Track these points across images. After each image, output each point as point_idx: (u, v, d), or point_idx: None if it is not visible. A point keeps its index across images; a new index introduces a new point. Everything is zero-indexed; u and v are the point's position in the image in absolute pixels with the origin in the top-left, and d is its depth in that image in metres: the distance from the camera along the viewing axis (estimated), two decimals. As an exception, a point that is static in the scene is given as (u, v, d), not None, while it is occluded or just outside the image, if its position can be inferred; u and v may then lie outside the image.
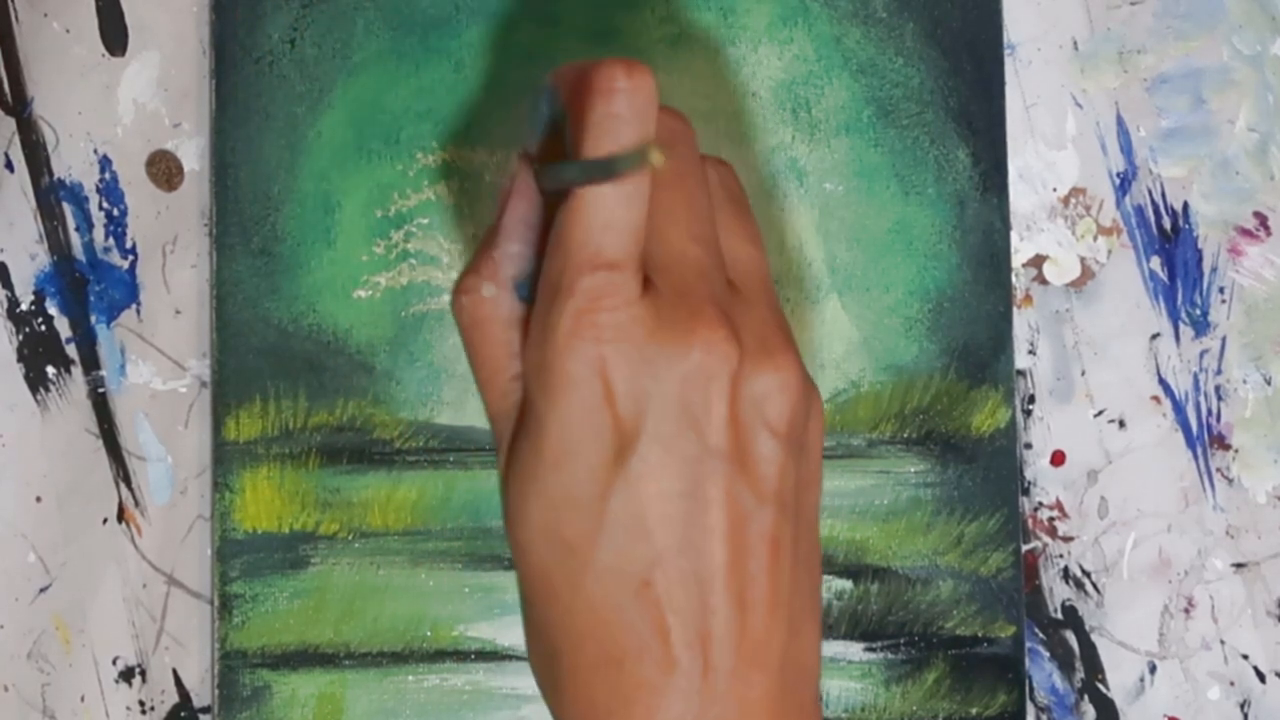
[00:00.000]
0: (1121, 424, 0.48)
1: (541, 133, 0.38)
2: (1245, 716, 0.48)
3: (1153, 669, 0.48)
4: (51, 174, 0.47)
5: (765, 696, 0.35)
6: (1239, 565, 0.48)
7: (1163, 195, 0.48)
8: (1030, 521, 0.48)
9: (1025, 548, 0.48)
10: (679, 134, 0.37)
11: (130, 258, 0.47)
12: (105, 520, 0.47)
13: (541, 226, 0.37)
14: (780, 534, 0.35)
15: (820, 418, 0.37)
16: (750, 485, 0.35)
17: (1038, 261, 0.48)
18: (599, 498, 0.34)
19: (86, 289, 0.47)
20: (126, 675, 0.46)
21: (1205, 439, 0.48)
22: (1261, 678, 0.48)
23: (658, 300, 0.35)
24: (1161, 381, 0.48)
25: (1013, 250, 0.48)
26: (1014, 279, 0.48)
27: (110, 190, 0.47)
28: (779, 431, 0.35)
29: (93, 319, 0.47)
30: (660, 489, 0.34)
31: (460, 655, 0.46)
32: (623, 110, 0.35)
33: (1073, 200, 0.48)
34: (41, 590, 0.46)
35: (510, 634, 0.46)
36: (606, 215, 0.35)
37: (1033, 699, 0.48)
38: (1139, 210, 0.48)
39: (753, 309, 0.36)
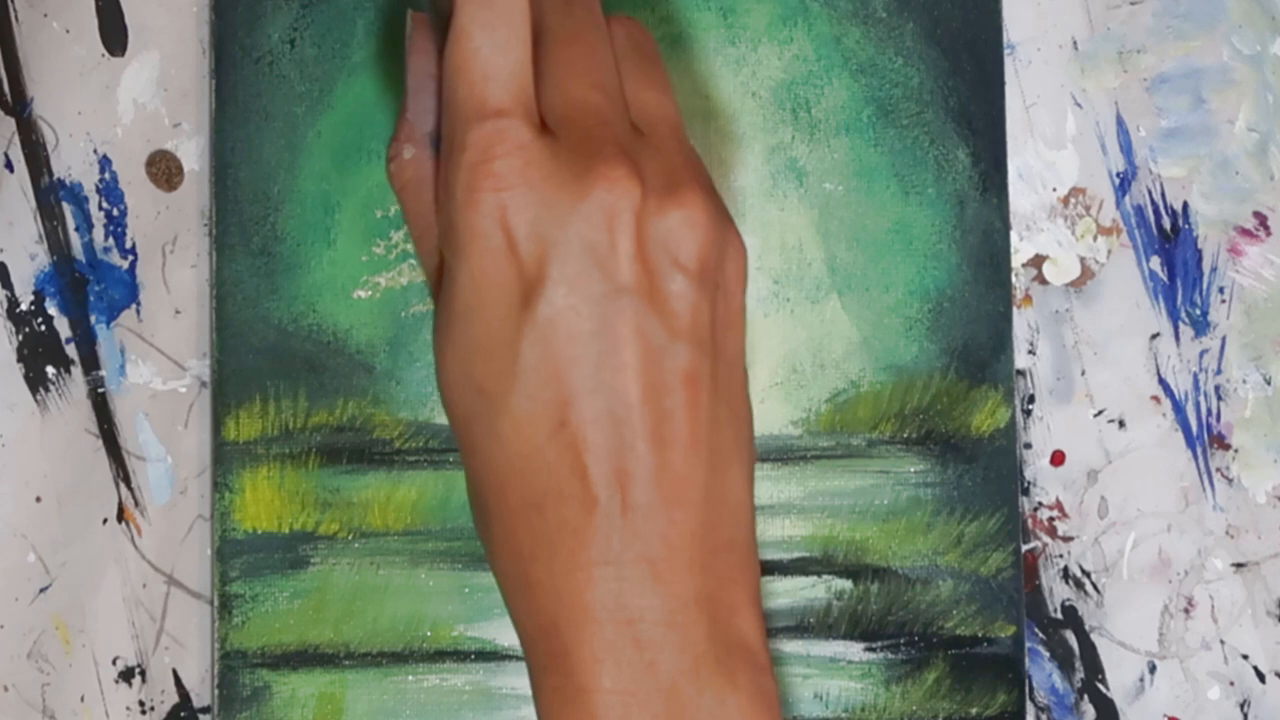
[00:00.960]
0: (1121, 424, 0.48)
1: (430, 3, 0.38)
2: (1245, 716, 0.48)
3: (1153, 669, 0.48)
4: (51, 174, 0.47)
5: (689, 533, 0.34)
6: (1239, 565, 0.48)
7: (1163, 195, 0.48)
8: (1030, 521, 0.48)
9: (1025, 548, 0.48)
10: None
11: (130, 258, 0.47)
12: (105, 520, 0.47)
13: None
14: (697, 371, 0.35)
15: (739, 258, 0.37)
16: (662, 322, 0.34)
17: (1038, 261, 0.48)
18: (509, 344, 0.34)
19: (86, 289, 0.47)
20: (126, 675, 0.46)
21: (1205, 439, 0.48)
22: (1261, 678, 0.48)
23: (555, 145, 0.35)
24: (1161, 381, 0.48)
25: (1013, 250, 0.48)
26: (1014, 279, 0.48)
27: (110, 190, 0.47)
28: (689, 269, 0.35)
29: (93, 319, 0.47)
30: (569, 329, 0.34)
31: (460, 655, 0.46)
32: None
33: (1073, 200, 0.48)
34: (41, 590, 0.46)
35: (510, 634, 0.46)
36: (484, 65, 0.35)
37: (1033, 699, 0.48)
38: (1139, 210, 0.48)
39: (659, 151, 0.36)
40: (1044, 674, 0.48)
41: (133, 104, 0.47)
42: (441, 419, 0.46)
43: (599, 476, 0.34)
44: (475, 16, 0.35)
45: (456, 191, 0.35)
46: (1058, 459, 0.48)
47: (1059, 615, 0.48)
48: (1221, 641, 0.48)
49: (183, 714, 0.47)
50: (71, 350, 0.47)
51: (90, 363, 0.47)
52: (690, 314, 0.35)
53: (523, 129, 0.35)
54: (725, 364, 0.36)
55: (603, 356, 0.34)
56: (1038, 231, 0.48)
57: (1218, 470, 0.48)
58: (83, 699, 0.46)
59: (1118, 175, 0.48)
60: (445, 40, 0.36)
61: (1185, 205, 0.48)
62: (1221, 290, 0.48)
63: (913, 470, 0.47)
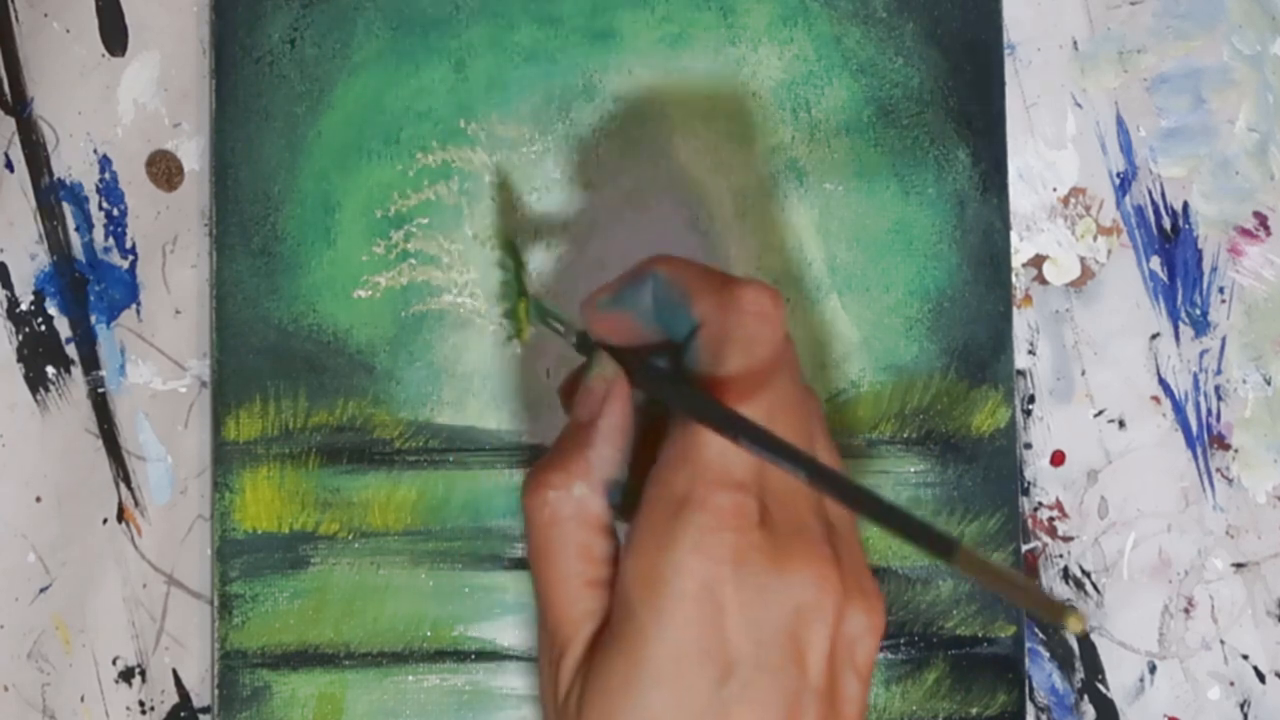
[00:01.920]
0: (1121, 424, 0.48)
1: (637, 319, 0.37)
2: (1245, 716, 0.48)
3: (1153, 669, 0.48)
4: (51, 174, 0.47)
5: None
6: (1239, 565, 0.48)
7: (1163, 195, 0.48)
8: (1030, 521, 0.48)
9: (1025, 548, 0.48)
10: (792, 359, 0.37)
11: (130, 258, 0.47)
12: (105, 520, 0.47)
13: (633, 434, 0.37)
14: None
15: (879, 644, 0.38)
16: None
17: (1038, 261, 0.48)
18: (701, 715, 0.34)
19: (86, 289, 0.47)
20: (126, 675, 0.46)
21: (1205, 439, 0.48)
22: (1261, 678, 0.48)
23: (775, 529, 0.35)
24: (1161, 381, 0.48)
25: (1013, 250, 0.48)
26: (1014, 279, 0.48)
27: (110, 190, 0.47)
28: (863, 673, 0.36)
29: (93, 319, 0.47)
30: (757, 717, 0.34)
31: (460, 655, 0.46)
32: (762, 334, 0.35)
33: (1073, 200, 0.48)
34: (41, 590, 0.46)
35: (510, 634, 0.46)
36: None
37: (1033, 699, 0.48)
38: (1139, 210, 0.48)
39: (848, 546, 0.37)
40: (1044, 674, 0.48)
41: (133, 104, 0.47)
42: (441, 419, 0.46)
43: None
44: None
45: (677, 549, 0.34)
46: (1058, 459, 0.48)
47: (1059, 615, 0.48)
48: (1221, 641, 0.48)
49: (183, 714, 0.47)
50: (71, 350, 0.47)
51: (90, 363, 0.47)
52: (855, 715, 0.36)
53: (755, 510, 0.35)
54: None
55: None
56: (1038, 231, 0.48)
57: (1218, 470, 0.48)
58: (83, 699, 0.46)
59: (1118, 175, 0.48)
60: (652, 390, 0.36)
61: (1185, 205, 0.48)
62: (1221, 290, 0.48)
63: (913, 470, 0.47)
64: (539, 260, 0.46)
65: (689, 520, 0.34)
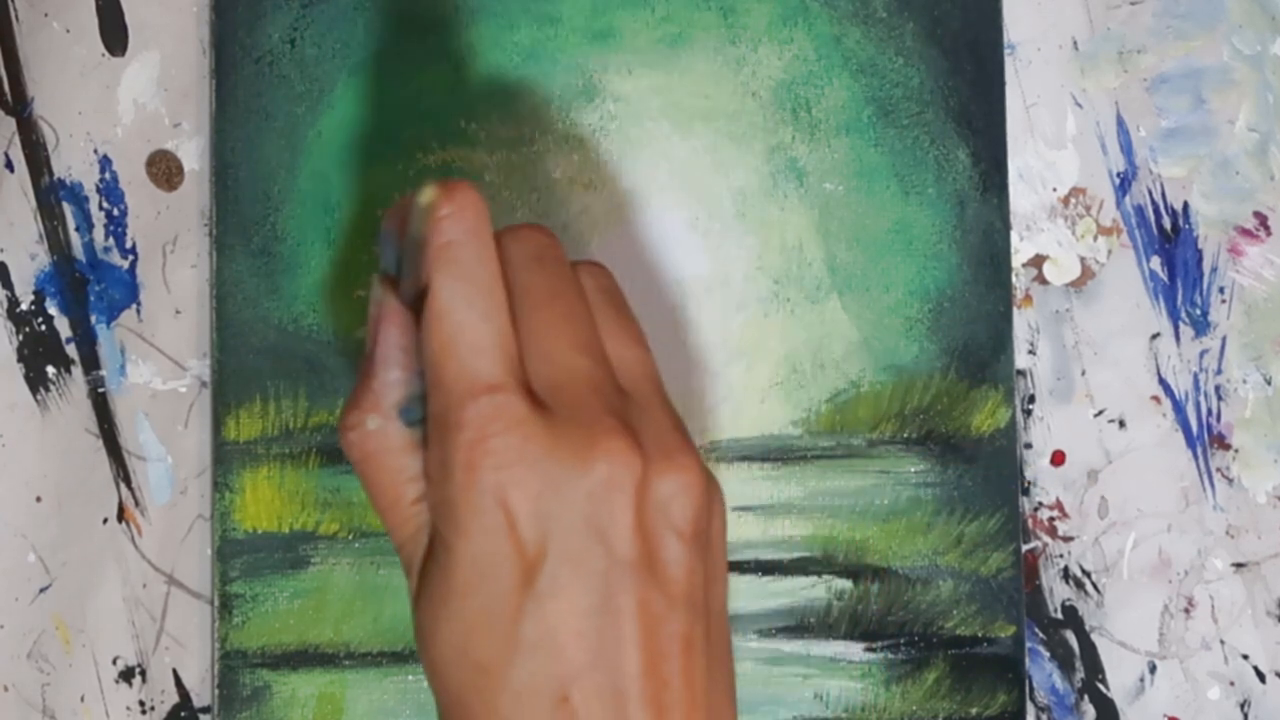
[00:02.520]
0: (1121, 424, 0.48)
1: (395, 271, 0.38)
2: (1245, 716, 0.48)
3: (1153, 669, 0.48)
4: (51, 174, 0.47)
5: None
6: (1239, 565, 0.48)
7: (1163, 195, 0.48)
8: (1030, 521, 0.48)
9: (1025, 548, 0.48)
10: (544, 247, 0.37)
11: (130, 258, 0.47)
12: (105, 520, 0.47)
13: (415, 349, 0.37)
14: (692, 633, 0.35)
15: (722, 511, 0.37)
16: (660, 589, 0.35)
17: (1038, 261, 0.48)
18: (510, 620, 0.34)
19: (86, 289, 0.47)
20: (126, 675, 0.46)
21: (1205, 439, 0.48)
22: (1261, 678, 0.48)
23: (552, 418, 0.35)
24: (1161, 381, 0.48)
25: (1013, 250, 0.48)
26: (1014, 279, 0.48)
27: (110, 190, 0.47)
28: (684, 533, 0.35)
29: (93, 319, 0.47)
30: (572, 606, 0.34)
31: (460, 655, 0.46)
32: (453, 235, 0.35)
33: (1073, 200, 0.48)
34: (41, 590, 0.46)
35: (510, 634, 0.46)
36: (471, 338, 0.35)
37: (1033, 699, 0.48)
38: (1139, 210, 0.48)
39: (647, 412, 0.36)
40: (1044, 674, 0.48)
41: (133, 104, 0.47)
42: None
43: None
44: (455, 291, 0.35)
45: (454, 470, 0.35)
46: (1058, 459, 0.48)
47: (1059, 615, 0.48)
48: (1221, 641, 0.48)
49: (183, 714, 0.47)
50: (71, 350, 0.47)
51: (90, 363, 0.47)
52: (686, 578, 0.35)
53: (518, 404, 0.35)
54: (715, 620, 0.36)
55: (604, 631, 0.34)
56: (1038, 231, 0.48)
57: (1218, 470, 0.48)
58: (83, 699, 0.46)
59: (1118, 175, 0.48)
60: (420, 310, 0.36)
61: (1185, 205, 0.48)
62: (1222, 290, 0.48)
63: (913, 470, 0.47)
64: (539, 260, 0.46)
65: (454, 440, 0.35)
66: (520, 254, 0.37)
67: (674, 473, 0.35)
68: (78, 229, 0.47)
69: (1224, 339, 0.48)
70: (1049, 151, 0.48)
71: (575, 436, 0.35)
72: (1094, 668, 0.48)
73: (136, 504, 0.47)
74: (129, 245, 0.47)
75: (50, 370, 0.47)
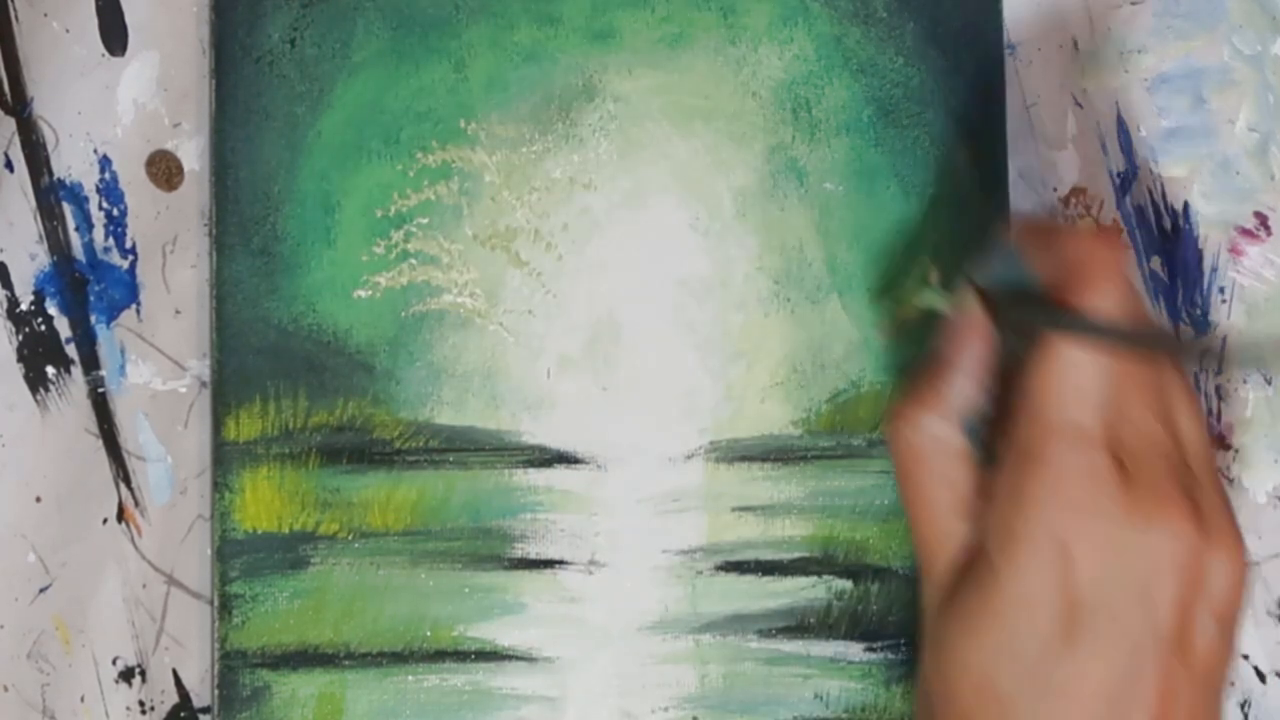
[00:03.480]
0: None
1: (999, 285, 0.38)
2: (1245, 716, 0.48)
3: (1153, 669, 0.48)
4: (51, 174, 0.47)
5: None
6: (1239, 565, 0.48)
7: (1163, 195, 0.48)
8: (1030, 521, 0.48)
9: (1025, 548, 0.48)
10: (1140, 306, 0.38)
11: (130, 258, 0.47)
12: (105, 520, 0.47)
13: (992, 367, 0.38)
14: (1197, 710, 0.36)
15: (1247, 591, 0.38)
16: (1185, 665, 0.36)
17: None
18: (1041, 661, 0.35)
19: (86, 289, 0.47)
20: (126, 675, 0.46)
21: (1205, 439, 0.48)
22: (1261, 678, 0.48)
23: (1128, 481, 0.36)
24: (1161, 381, 0.48)
25: (1013, 250, 0.48)
26: (1014, 279, 0.48)
27: (110, 190, 0.47)
28: (1220, 616, 0.36)
29: (93, 319, 0.47)
30: (1105, 664, 0.35)
31: (460, 655, 0.46)
32: (1114, 286, 0.36)
33: (1073, 200, 0.48)
34: (41, 590, 0.46)
35: (510, 634, 0.46)
36: (1079, 382, 0.36)
37: (1033, 699, 0.48)
38: (1139, 210, 0.48)
39: (1208, 492, 0.37)
40: (1044, 674, 0.48)
41: (133, 104, 0.47)
42: (441, 419, 0.46)
43: None
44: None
45: (1024, 502, 0.36)
46: (1058, 459, 0.48)
47: (1059, 615, 0.48)
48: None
49: (183, 714, 0.47)
50: (71, 350, 0.47)
51: (90, 363, 0.47)
52: (1212, 659, 0.36)
53: (1105, 459, 0.35)
54: (1217, 699, 0.37)
55: (1125, 696, 0.35)
56: (1038, 231, 0.48)
57: (1218, 470, 0.48)
58: (83, 699, 0.46)
59: (1118, 175, 0.48)
60: (1017, 330, 0.37)
61: (1186, 205, 0.48)
62: (1222, 290, 0.48)
63: (913, 470, 0.47)
64: (539, 260, 0.46)
65: (1035, 476, 0.36)
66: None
67: (1224, 558, 0.36)
68: (78, 229, 0.47)
69: (1224, 339, 0.48)
70: (1049, 151, 0.48)
71: (1145, 503, 0.35)
72: (1094, 668, 0.48)
73: (136, 504, 0.47)
74: (129, 245, 0.47)
75: (50, 370, 0.47)
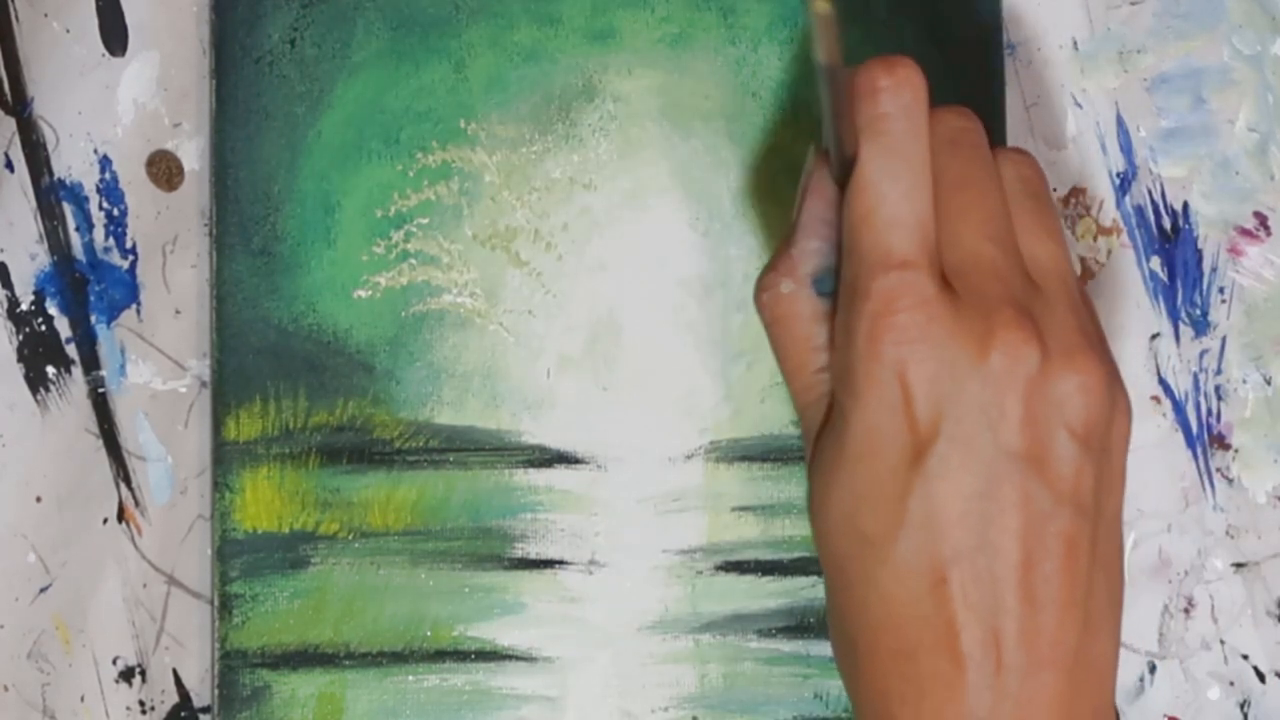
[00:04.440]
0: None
1: (832, 146, 0.38)
2: (1245, 716, 0.48)
3: (1153, 669, 0.48)
4: (51, 174, 0.47)
5: (1057, 696, 0.35)
6: (1239, 565, 0.48)
7: (1163, 195, 0.48)
8: (1030, 521, 0.48)
9: (1025, 548, 0.48)
10: (963, 131, 0.37)
11: (130, 258, 0.47)
12: (105, 520, 0.47)
13: (838, 222, 0.38)
14: (1077, 534, 0.35)
15: (1125, 418, 0.37)
16: (1048, 485, 0.35)
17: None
18: (898, 495, 0.35)
19: (86, 289, 0.47)
20: (126, 675, 0.46)
21: (1205, 439, 0.48)
22: (1261, 678, 0.48)
23: (955, 301, 0.35)
24: (1161, 381, 0.48)
25: (1013, 250, 0.48)
26: (1014, 279, 0.48)
27: (110, 190, 0.47)
28: (1077, 432, 0.35)
29: (93, 319, 0.47)
30: (957, 489, 0.35)
31: (460, 655, 0.46)
32: (889, 108, 0.36)
33: (1073, 200, 0.48)
34: (41, 590, 0.46)
35: (510, 634, 0.46)
36: (890, 212, 0.35)
37: (1033, 699, 0.48)
38: (1139, 210, 0.48)
39: (1053, 307, 0.36)
40: (1044, 674, 0.48)
41: (133, 104, 0.47)
42: (441, 419, 0.46)
43: (973, 635, 0.35)
44: (882, 164, 0.36)
45: (857, 339, 0.35)
46: (1058, 459, 0.48)
47: (1059, 615, 0.48)
48: (1221, 641, 0.48)
49: (183, 714, 0.47)
50: (71, 350, 0.47)
51: (90, 363, 0.47)
52: (1074, 478, 0.35)
53: (927, 283, 0.35)
54: (1105, 526, 0.36)
55: (988, 517, 0.35)
56: (1038, 231, 0.48)
57: (1218, 470, 0.48)
58: (83, 699, 0.46)
59: (1118, 175, 0.48)
60: (845, 184, 0.36)
61: (1185, 205, 0.48)
62: (1222, 290, 0.48)
63: (913, 470, 0.47)
64: (539, 260, 0.46)
65: (859, 310, 0.35)
66: (939, 136, 0.37)
67: (1072, 371, 0.35)
68: (78, 229, 0.47)
69: (1224, 339, 0.48)
70: (1049, 151, 0.48)
71: (977, 322, 0.35)
72: (1094, 668, 0.48)
73: (136, 504, 0.47)
74: (129, 245, 0.47)
75: (50, 370, 0.47)
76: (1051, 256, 0.37)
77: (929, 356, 0.35)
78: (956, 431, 0.35)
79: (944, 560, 0.35)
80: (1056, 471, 0.35)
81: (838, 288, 0.37)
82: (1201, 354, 0.48)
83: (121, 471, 0.47)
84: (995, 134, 0.47)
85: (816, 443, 0.37)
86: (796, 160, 0.47)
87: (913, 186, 0.35)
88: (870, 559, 0.36)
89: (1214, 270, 0.48)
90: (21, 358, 0.47)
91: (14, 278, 0.47)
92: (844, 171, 0.37)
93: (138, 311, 0.47)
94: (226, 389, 0.46)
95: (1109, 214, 0.48)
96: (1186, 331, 0.48)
